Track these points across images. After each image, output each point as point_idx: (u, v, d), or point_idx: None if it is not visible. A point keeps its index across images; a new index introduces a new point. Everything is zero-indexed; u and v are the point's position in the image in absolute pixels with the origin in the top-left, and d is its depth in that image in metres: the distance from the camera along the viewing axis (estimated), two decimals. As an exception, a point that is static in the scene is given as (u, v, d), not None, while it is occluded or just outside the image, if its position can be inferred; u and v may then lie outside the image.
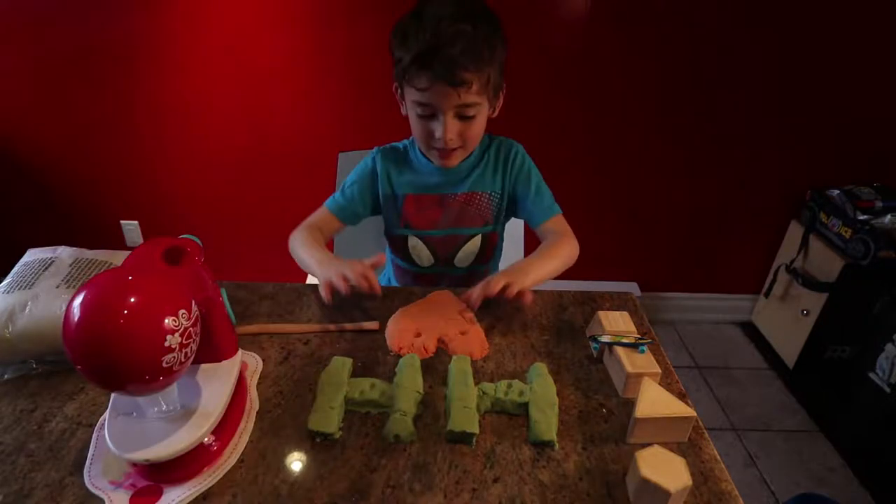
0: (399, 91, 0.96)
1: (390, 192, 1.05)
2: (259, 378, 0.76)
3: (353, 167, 1.09)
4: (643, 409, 0.67)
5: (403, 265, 1.13)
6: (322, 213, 1.07)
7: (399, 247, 1.11)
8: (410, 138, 1.05)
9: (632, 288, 2.13)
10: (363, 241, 1.25)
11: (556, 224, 1.03)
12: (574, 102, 1.82)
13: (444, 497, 0.61)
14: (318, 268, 0.91)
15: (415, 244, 1.08)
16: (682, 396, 0.76)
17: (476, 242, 1.08)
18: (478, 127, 0.94)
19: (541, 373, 0.75)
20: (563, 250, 0.97)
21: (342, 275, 0.84)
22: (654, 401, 0.68)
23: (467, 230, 1.07)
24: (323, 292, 0.86)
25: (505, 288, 0.82)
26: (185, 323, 0.55)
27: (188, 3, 1.66)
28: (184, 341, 0.54)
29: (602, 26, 1.71)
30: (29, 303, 0.74)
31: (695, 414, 0.67)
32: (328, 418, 0.67)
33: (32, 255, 0.84)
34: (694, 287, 2.22)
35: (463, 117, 0.91)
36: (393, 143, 1.08)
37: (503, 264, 1.17)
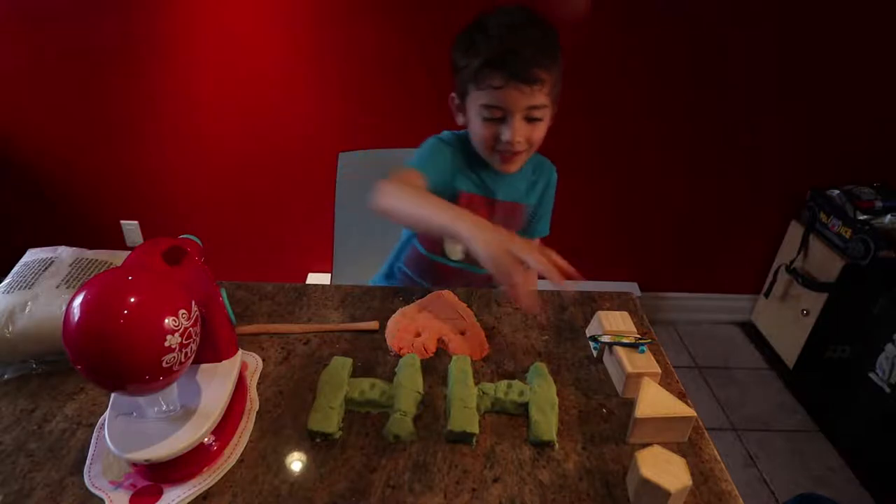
0: (459, 100, 0.97)
1: (450, 182, 1.03)
2: (259, 378, 0.76)
3: (353, 167, 1.08)
4: (643, 409, 0.67)
5: (429, 255, 1.10)
6: (409, 171, 0.94)
7: (434, 236, 1.07)
8: (463, 135, 1.03)
9: (632, 288, 2.13)
10: (370, 249, 1.24)
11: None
12: (574, 102, 1.81)
13: (444, 497, 0.61)
14: (473, 231, 0.74)
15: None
16: (681, 396, 0.76)
17: None
18: (542, 131, 0.95)
19: (541, 373, 0.75)
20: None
21: (516, 258, 0.71)
22: (654, 401, 0.68)
23: None
24: (502, 276, 0.71)
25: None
26: (185, 323, 0.55)
27: (188, 3, 1.66)
28: (184, 341, 0.54)
29: (602, 26, 1.71)
30: (29, 303, 0.74)
31: (694, 414, 0.67)
32: (328, 418, 0.67)
33: (32, 255, 0.84)
34: (694, 287, 2.22)
35: (531, 119, 0.92)
36: (457, 133, 1.04)
37: None
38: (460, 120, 1.00)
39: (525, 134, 0.92)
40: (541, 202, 1.10)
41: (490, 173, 1.03)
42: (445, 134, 1.05)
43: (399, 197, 0.88)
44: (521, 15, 0.91)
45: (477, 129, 0.95)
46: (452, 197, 1.04)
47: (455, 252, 1.07)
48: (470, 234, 0.74)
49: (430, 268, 1.12)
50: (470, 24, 0.93)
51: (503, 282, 0.72)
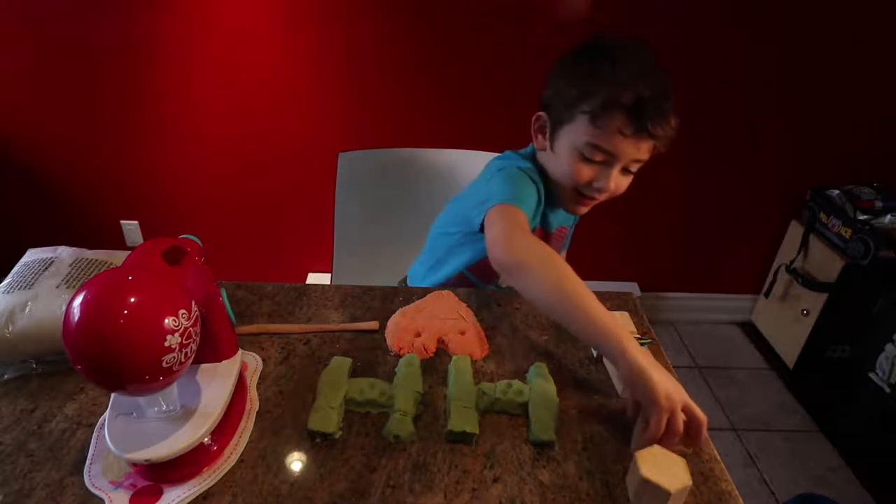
0: (551, 127, 0.89)
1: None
2: (259, 378, 0.76)
3: (353, 167, 1.06)
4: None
5: (477, 282, 1.05)
6: (515, 214, 0.83)
7: (488, 272, 1.00)
8: (527, 162, 0.94)
9: (632, 288, 2.13)
10: (370, 249, 1.24)
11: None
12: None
13: (444, 497, 0.61)
14: (645, 366, 0.64)
15: None
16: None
17: None
18: (629, 181, 0.89)
19: (541, 373, 0.75)
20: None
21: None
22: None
23: None
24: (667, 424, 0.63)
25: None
26: (185, 323, 0.55)
27: (188, 2, 1.66)
28: (184, 341, 0.54)
29: (601, 26, 1.71)
30: (29, 303, 0.74)
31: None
32: (328, 418, 0.67)
33: (32, 255, 0.84)
34: (694, 287, 2.22)
35: (627, 170, 0.87)
36: (533, 163, 0.94)
37: None
38: (540, 144, 0.92)
39: (619, 184, 0.88)
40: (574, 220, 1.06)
41: (551, 205, 0.96)
42: (524, 164, 0.92)
43: (541, 272, 0.73)
44: (647, 57, 0.82)
45: (566, 165, 0.87)
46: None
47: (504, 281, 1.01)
48: (641, 369, 0.64)
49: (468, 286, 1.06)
50: (587, 48, 0.84)
51: (661, 429, 0.63)
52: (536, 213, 0.92)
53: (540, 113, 0.91)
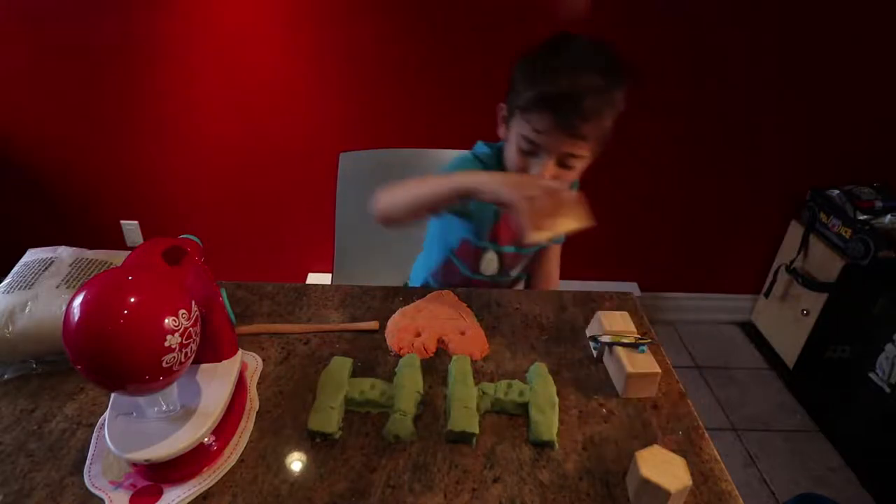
0: (505, 115, 0.94)
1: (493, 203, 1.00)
2: (259, 378, 0.76)
3: (353, 167, 1.07)
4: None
5: (464, 271, 1.09)
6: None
7: (470, 255, 1.07)
8: (499, 150, 1.00)
9: (632, 288, 2.13)
10: (370, 249, 1.24)
11: (554, 252, 1.10)
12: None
13: (444, 497, 0.61)
14: (488, 178, 0.80)
15: (491, 257, 1.06)
16: (681, 396, 0.76)
17: (531, 256, 1.11)
18: (574, 174, 0.92)
19: (541, 373, 0.75)
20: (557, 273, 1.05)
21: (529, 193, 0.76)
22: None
23: (535, 247, 1.09)
24: (525, 220, 0.75)
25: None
26: (185, 323, 0.55)
27: (188, 2, 1.66)
28: (184, 341, 0.54)
29: (602, 26, 1.70)
30: (29, 303, 0.74)
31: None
32: (328, 418, 0.67)
33: (32, 255, 0.84)
34: (694, 287, 2.22)
35: (563, 164, 0.89)
36: (494, 147, 1.01)
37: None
38: (502, 133, 0.96)
39: (552, 175, 0.89)
40: None
41: None
42: (480, 149, 1.01)
43: (394, 193, 0.89)
44: (596, 56, 0.85)
45: (511, 154, 0.92)
46: (490, 213, 1.02)
47: (490, 267, 1.07)
48: (485, 181, 0.80)
49: (455, 277, 1.11)
50: (547, 43, 0.88)
51: (519, 197, 0.76)
52: None
53: (502, 104, 0.95)
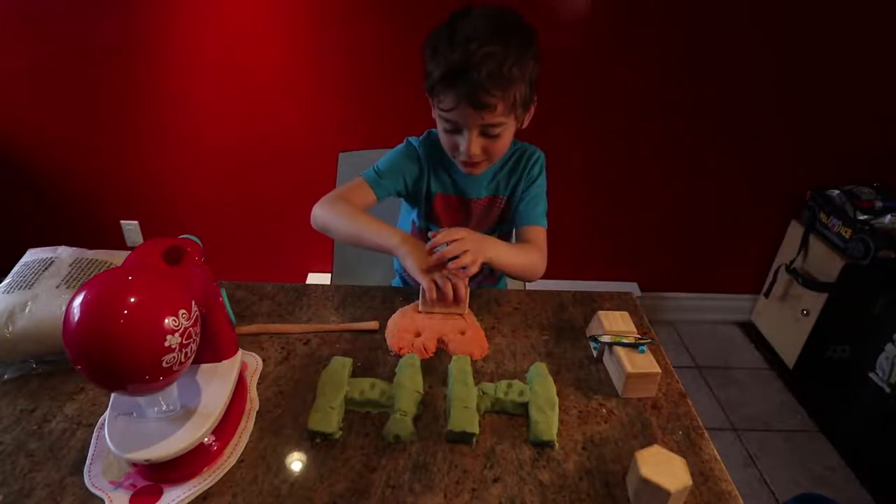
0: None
1: (426, 185, 1.03)
2: (259, 378, 0.76)
3: (353, 167, 1.08)
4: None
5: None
6: (357, 185, 0.99)
7: (418, 237, 1.07)
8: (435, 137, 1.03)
9: (632, 288, 2.13)
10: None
11: (536, 234, 1.02)
12: (574, 102, 1.82)
13: (444, 497, 0.61)
14: (403, 249, 0.86)
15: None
16: (681, 396, 0.76)
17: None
18: (503, 143, 0.92)
19: (541, 373, 0.75)
20: (533, 257, 0.96)
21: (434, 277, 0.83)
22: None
23: (485, 232, 1.07)
24: (429, 293, 0.82)
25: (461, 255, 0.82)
26: (185, 323, 0.55)
27: (188, 2, 1.66)
28: (184, 341, 0.54)
29: (602, 26, 1.71)
30: (29, 303, 0.74)
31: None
32: (328, 418, 0.67)
33: (32, 255, 0.84)
34: (694, 287, 2.22)
35: (488, 135, 0.89)
36: (430, 135, 1.04)
37: None
38: (434, 114, 0.97)
39: (481, 147, 0.90)
40: (525, 191, 1.04)
41: (460, 172, 1.01)
42: (424, 139, 1.04)
43: (335, 215, 0.93)
44: (488, 24, 0.84)
45: (441, 134, 0.94)
46: (427, 198, 1.04)
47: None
48: (404, 255, 0.85)
49: None
50: (443, 24, 0.88)
51: (426, 280, 0.83)
52: (421, 179, 1.03)
53: None
